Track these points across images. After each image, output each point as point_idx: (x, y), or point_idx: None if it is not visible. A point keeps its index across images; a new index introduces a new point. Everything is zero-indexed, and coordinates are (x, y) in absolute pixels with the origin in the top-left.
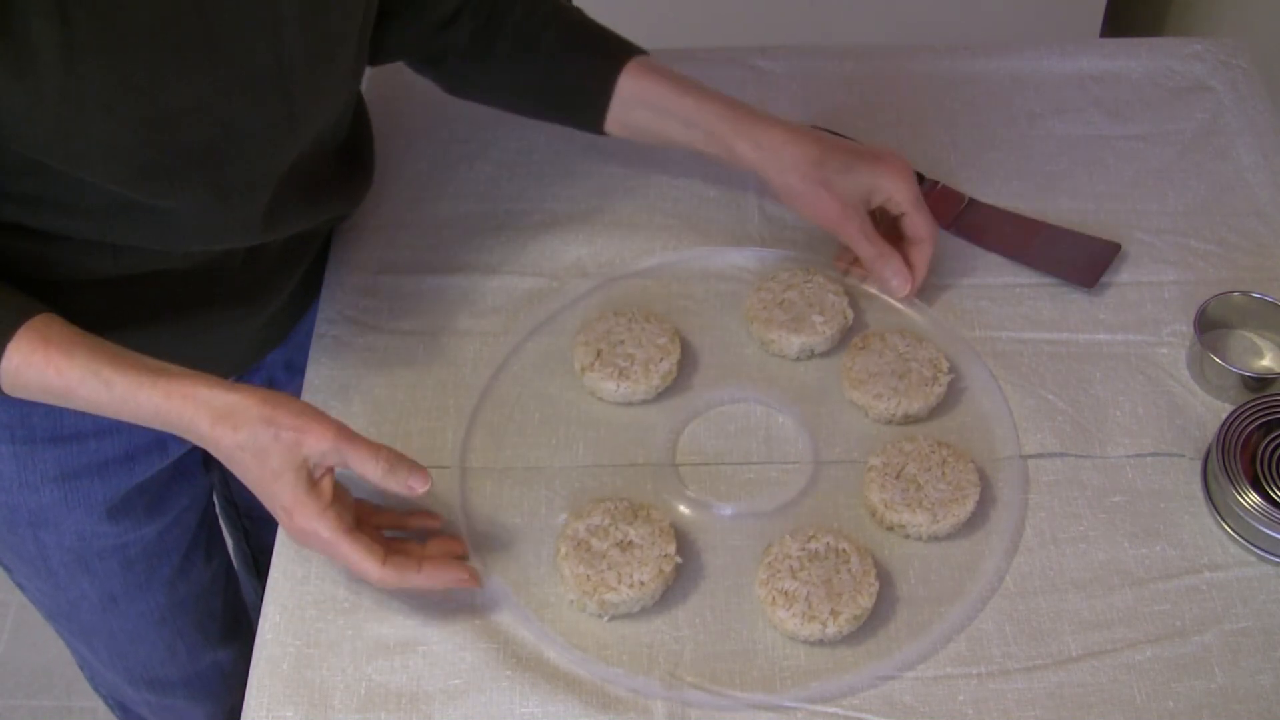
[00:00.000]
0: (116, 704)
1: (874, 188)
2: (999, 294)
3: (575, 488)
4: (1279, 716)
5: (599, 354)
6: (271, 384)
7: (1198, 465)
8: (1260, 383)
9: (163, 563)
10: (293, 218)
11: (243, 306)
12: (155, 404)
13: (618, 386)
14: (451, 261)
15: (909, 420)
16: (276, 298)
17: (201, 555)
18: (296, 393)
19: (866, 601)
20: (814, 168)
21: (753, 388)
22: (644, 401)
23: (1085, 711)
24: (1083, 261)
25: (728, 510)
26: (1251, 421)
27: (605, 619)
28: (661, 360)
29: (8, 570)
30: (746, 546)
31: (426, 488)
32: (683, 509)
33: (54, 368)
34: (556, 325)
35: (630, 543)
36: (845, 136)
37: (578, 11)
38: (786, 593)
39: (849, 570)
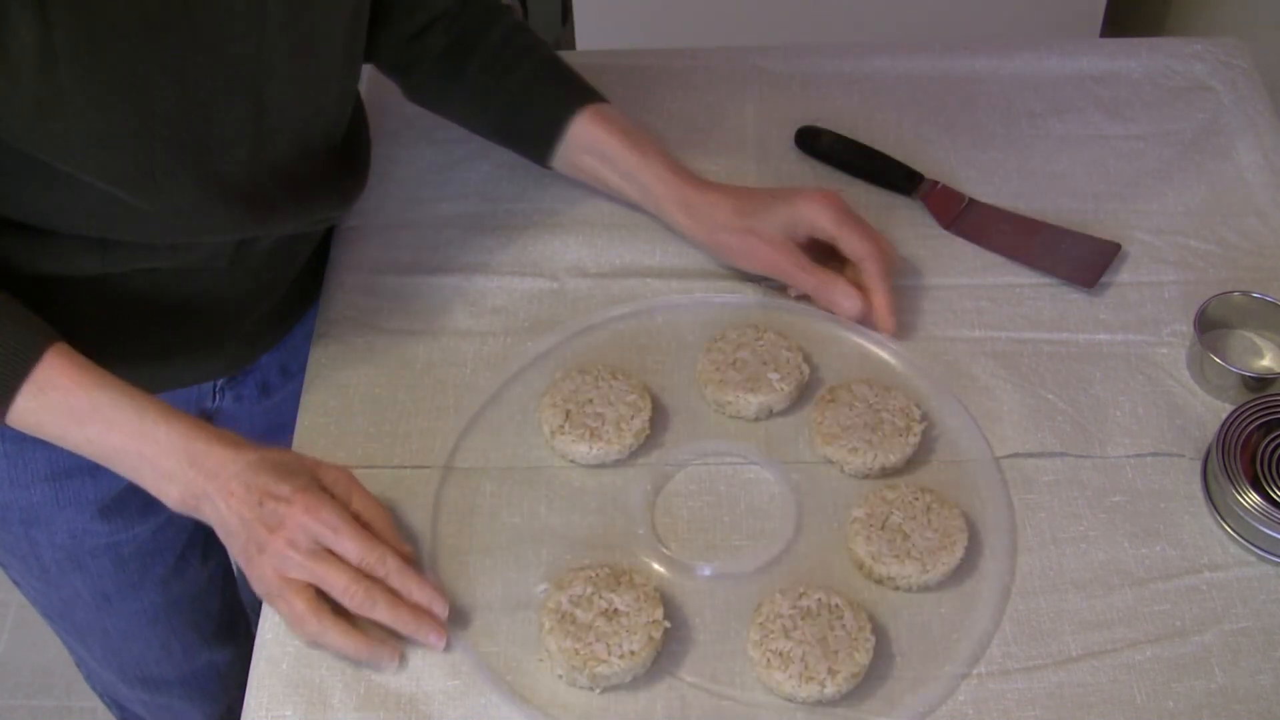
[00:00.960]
0: (113, 703)
1: (795, 220)
2: (999, 294)
3: (552, 554)
4: (1279, 716)
5: (568, 415)
6: (266, 387)
7: (1198, 465)
8: (1260, 383)
9: (156, 562)
10: (282, 216)
11: (231, 306)
12: (185, 428)
13: (590, 448)
14: (451, 261)
15: (886, 473)
16: (266, 300)
17: (198, 556)
18: (294, 394)
19: (864, 658)
20: (736, 218)
21: (728, 442)
22: (617, 462)
23: (1085, 711)
24: (1083, 261)
25: (710, 570)
26: (1251, 421)
27: (597, 691)
28: (633, 418)
29: (4, 567)
30: (734, 607)
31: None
32: (664, 571)
33: (82, 389)
34: (522, 384)
35: (616, 611)
36: (845, 136)
37: (549, 49)
38: (781, 653)
39: (843, 626)
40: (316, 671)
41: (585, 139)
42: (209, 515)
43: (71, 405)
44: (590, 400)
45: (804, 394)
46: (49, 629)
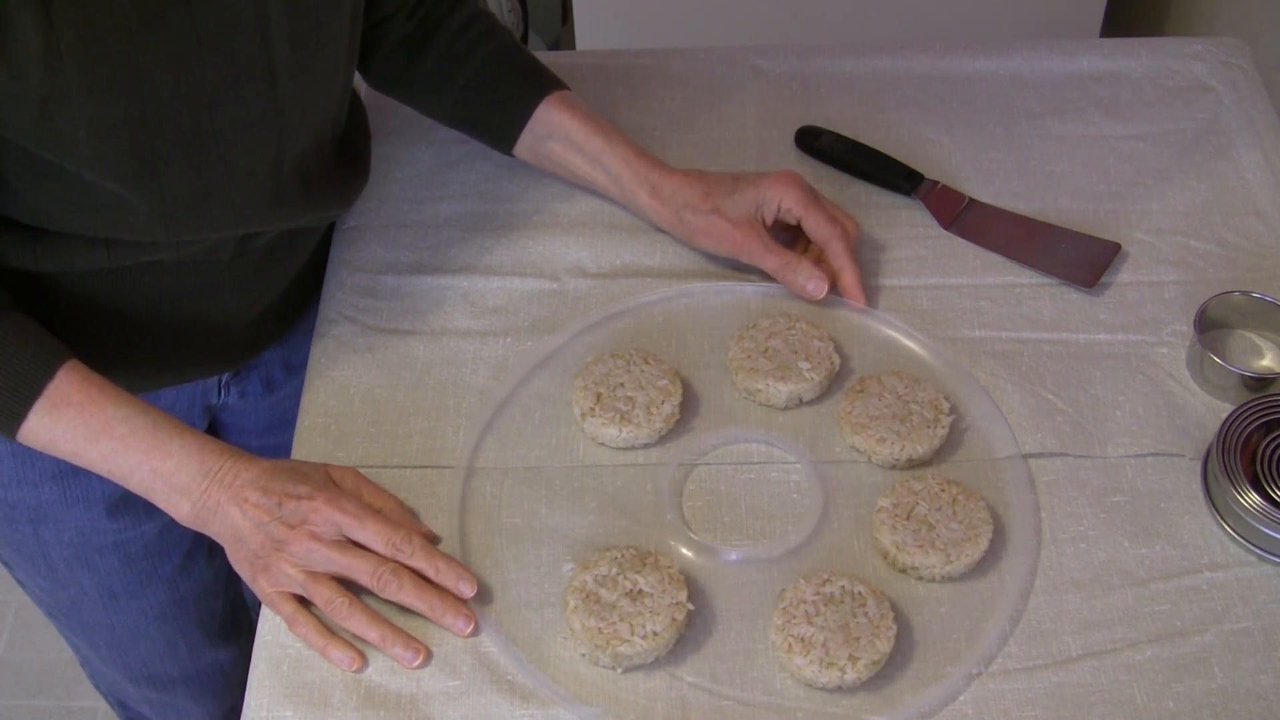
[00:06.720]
0: (117, 702)
1: (761, 201)
2: (999, 294)
3: (579, 535)
4: (1279, 716)
5: (599, 398)
6: (270, 382)
7: (1198, 465)
8: (1260, 383)
9: (164, 560)
10: (290, 209)
11: (233, 302)
12: (199, 442)
13: (620, 432)
14: (451, 261)
15: (913, 464)
16: (267, 295)
17: (205, 554)
18: (297, 390)
19: (885, 646)
20: (703, 200)
21: (756, 429)
22: (646, 445)
23: (1085, 711)
24: (1083, 261)
25: (737, 555)
26: (1251, 421)
27: (619, 671)
28: (663, 403)
29: (8, 566)
30: (757, 592)
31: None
32: (690, 555)
33: (95, 404)
34: (550, 367)
35: (640, 592)
36: (845, 136)
37: (510, 36)
38: (803, 639)
39: (866, 614)
40: (317, 672)
41: (550, 124)
42: (217, 528)
43: (85, 421)
44: (621, 384)
45: (834, 384)
46: (49, 629)
